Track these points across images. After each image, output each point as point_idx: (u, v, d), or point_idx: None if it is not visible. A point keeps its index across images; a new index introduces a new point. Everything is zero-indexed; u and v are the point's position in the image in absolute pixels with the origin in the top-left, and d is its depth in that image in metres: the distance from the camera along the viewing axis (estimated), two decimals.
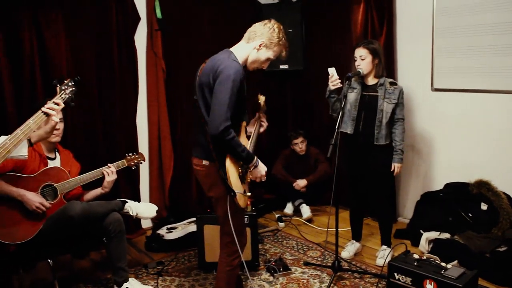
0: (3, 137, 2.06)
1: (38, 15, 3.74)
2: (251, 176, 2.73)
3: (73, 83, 2.39)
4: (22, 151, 2.11)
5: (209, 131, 2.40)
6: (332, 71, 3.55)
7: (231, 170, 2.51)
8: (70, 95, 2.32)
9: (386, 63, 4.05)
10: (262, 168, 2.67)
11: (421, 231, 4.03)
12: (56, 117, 2.15)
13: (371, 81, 3.64)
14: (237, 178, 2.56)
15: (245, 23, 2.79)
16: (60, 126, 3.22)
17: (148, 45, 4.52)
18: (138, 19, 4.40)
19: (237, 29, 2.65)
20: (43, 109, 2.08)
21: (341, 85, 3.57)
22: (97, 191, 3.42)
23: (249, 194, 2.68)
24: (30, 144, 2.15)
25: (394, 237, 4.10)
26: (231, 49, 2.65)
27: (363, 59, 3.55)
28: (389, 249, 3.72)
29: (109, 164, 3.39)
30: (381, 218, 3.90)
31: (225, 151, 2.50)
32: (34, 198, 2.92)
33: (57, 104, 2.25)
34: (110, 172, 3.36)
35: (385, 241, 3.83)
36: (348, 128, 3.68)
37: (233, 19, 4.99)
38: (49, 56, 3.82)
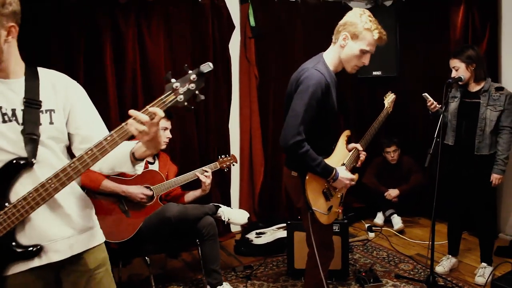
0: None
1: (142, 25, 3.98)
2: (337, 189, 2.53)
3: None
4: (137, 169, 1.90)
5: (280, 143, 2.29)
6: (426, 96, 3.53)
7: (311, 186, 2.37)
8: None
9: (489, 69, 3.79)
10: (344, 179, 2.44)
11: None
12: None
13: (474, 87, 3.44)
14: (318, 194, 2.42)
15: None
16: (168, 134, 3.40)
17: (241, 52, 4.63)
18: (232, 27, 4.52)
19: (330, 36, 2.58)
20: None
21: (440, 106, 3.47)
22: (197, 192, 3.51)
23: (337, 210, 2.54)
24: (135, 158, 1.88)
25: (494, 255, 3.83)
26: (323, 53, 2.53)
27: (456, 70, 3.41)
28: (490, 267, 3.49)
29: (204, 168, 3.46)
30: (482, 233, 3.65)
31: (299, 165, 2.37)
32: (136, 191, 3.13)
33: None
34: (206, 176, 3.42)
35: (485, 258, 3.58)
36: (449, 139, 3.53)
37: (325, 26, 4.90)
38: (150, 64, 4.04)
